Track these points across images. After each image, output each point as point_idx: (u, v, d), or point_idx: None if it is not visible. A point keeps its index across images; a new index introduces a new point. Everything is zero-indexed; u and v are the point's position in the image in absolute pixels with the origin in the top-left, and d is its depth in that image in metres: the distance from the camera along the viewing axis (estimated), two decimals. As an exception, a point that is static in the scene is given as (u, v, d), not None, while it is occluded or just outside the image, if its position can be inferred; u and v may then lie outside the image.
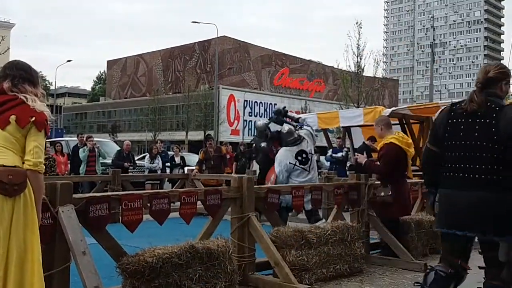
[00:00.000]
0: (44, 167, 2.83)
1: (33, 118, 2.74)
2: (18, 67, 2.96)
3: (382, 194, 5.82)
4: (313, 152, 7.63)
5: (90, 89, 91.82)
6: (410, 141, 6.03)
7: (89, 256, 3.26)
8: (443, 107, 3.83)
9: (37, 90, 2.94)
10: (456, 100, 3.82)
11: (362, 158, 5.98)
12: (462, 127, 3.27)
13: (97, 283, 3.20)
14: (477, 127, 3.20)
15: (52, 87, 59.66)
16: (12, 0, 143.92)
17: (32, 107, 2.77)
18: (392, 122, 11.13)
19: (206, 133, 12.80)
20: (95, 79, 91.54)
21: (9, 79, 2.86)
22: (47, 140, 14.92)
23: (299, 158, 7.44)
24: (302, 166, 7.41)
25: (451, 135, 3.32)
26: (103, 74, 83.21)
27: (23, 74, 2.91)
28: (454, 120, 3.32)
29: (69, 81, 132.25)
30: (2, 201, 2.56)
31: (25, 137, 2.75)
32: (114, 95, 68.32)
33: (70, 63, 50.08)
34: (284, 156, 7.44)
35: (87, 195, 3.82)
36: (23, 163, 2.72)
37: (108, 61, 70.78)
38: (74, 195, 3.51)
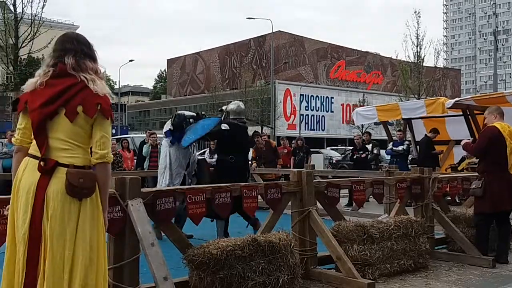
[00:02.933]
0: (112, 156, 2.67)
1: (99, 106, 2.51)
2: (79, 41, 2.64)
3: (473, 186, 5.69)
4: None
5: (152, 88, 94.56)
6: None
7: (157, 248, 3.37)
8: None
9: (97, 66, 2.66)
10: None
11: (463, 141, 6.08)
12: None
13: (165, 274, 3.32)
14: None
15: (116, 86, 61.90)
16: (73, 4, 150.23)
17: (95, 92, 2.52)
18: (455, 113, 10.88)
19: (253, 131, 12.81)
20: (156, 77, 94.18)
21: (71, 54, 2.57)
22: (114, 137, 15.52)
23: None
24: None
25: None
26: (164, 72, 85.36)
27: (85, 50, 2.62)
28: None
29: (132, 80, 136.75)
30: (70, 203, 2.44)
31: (91, 126, 2.54)
32: (174, 92, 69.96)
33: (132, 62, 51.62)
34: None
35: (154, 189, 3.97)
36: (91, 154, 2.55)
37: (168, 60, 72.52)
38: (142, 189, 3.65)
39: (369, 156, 11.81)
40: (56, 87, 2.51)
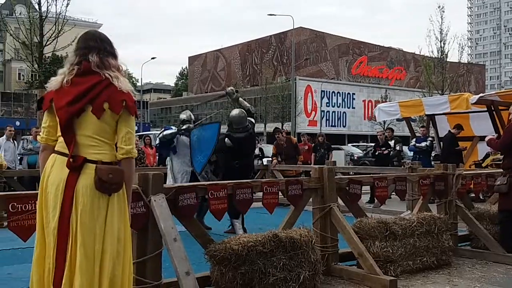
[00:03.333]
0: (137, 151, 2.74)
1: (124, 102, 2.57)
2: (102, 39, 2.69)
3: (498, 183, 5.62)
4: None
5: (173, 85, 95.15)
6: None
7: (180, 243, 3.41)
8: None
9: (119, 63, 2.71)
10: None
11: (488, 137, 6.03)
12: None
13: (187, 269, 3.35)
14: None
15: (138, 84, 62.50)
16: (97, 2, 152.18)
17: (119, 89, 2.58)
18: (480, 109, 10.70)
19: (274, 127, 13.02)
20: (178, 75, 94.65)
21: (95, 52, 2.62)
22: (136, 134, 15.80)
23: None
24: None
25: None
26: (185, 70, 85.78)
27: (107, 48, 2.68)
28: None
29: (154, 78, 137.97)
30: (99, 198, 2.51)
31: (116, 122, 2.60)
32: (195, 89, 70.28)
33: (154, 60, 52.10)
34: None
35: (177, 185, 4.01)
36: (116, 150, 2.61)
37: (189, 57, 72.87)
38: (165, 185, 3.69)
39: (391, 152, 11.69)
40: (82, 85, 2.56)
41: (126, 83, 2.65)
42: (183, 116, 7.47)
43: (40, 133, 2.70)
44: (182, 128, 7.13)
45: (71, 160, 2.52)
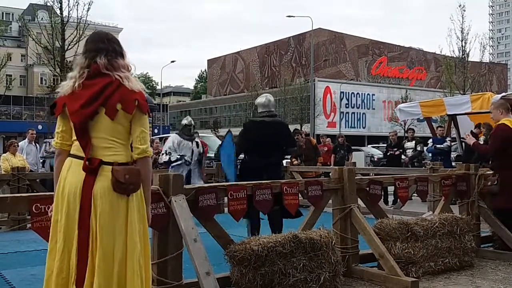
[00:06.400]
0: (152, 150, 2.73)
1: (137, 102, 2.56)
2: (110, 39, 2.69)
3: (489, 183, 5.57)
4: None
5: (192, 88, 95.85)
6: None
7: (200, 243, 3.43)
8: None
9: (127, 62, 2.70)
10: None
11: (470, 140, 5.94)
12: None
13: (208, 269, 3.37)
14: None
15: (158, 87, 63.05)
16: (117, 7, 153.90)
17: (131, 89, 2.57)
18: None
19: (294, 128, 12.97)
20: (197, 77, 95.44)
21: (103, 54, 2.61)
22: (157, 136, 15.77)
23: None
24: None
25: None
26: (204, 72, 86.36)
27: (116, 48, 2.67)
28: None
29: (173, 81, 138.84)
30: (117, 200, 2.50)
31: (130, 122, 2.58)
32: (214, 92, 70.61)
33: (174, 63, 52.71)
34: None
35: (197, 185, 4.03)
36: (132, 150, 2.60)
37: (208, 60, 73.25)
38: (185, 186, 3.71)
39: (403, 153, 11.60)
40: (93, 88, 2.56)
41: (136, 82, 2.64)
42: (184, 121, 8.26)
43: (54, 139, 2.69)
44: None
45: (87, 163, 2.51)
